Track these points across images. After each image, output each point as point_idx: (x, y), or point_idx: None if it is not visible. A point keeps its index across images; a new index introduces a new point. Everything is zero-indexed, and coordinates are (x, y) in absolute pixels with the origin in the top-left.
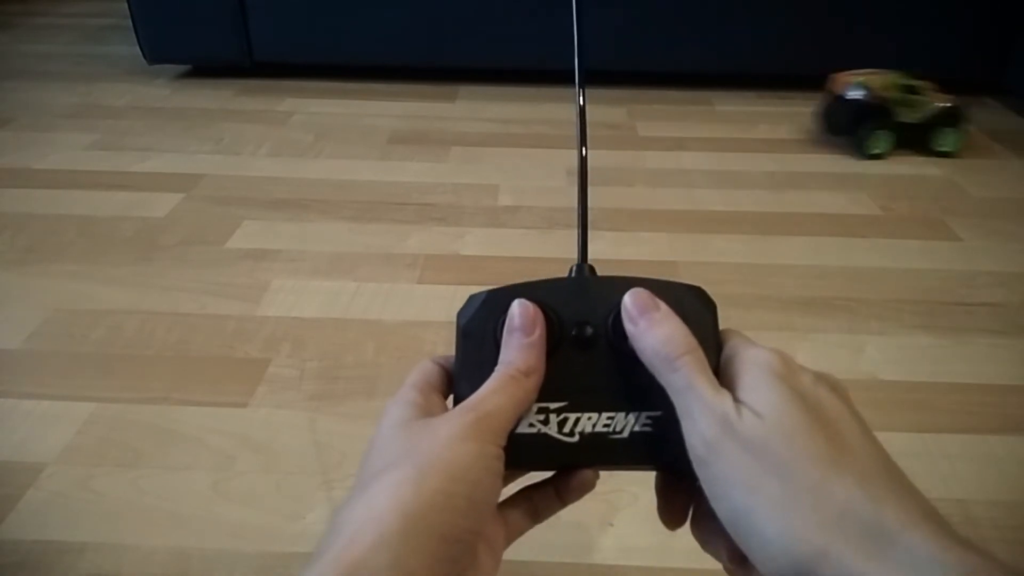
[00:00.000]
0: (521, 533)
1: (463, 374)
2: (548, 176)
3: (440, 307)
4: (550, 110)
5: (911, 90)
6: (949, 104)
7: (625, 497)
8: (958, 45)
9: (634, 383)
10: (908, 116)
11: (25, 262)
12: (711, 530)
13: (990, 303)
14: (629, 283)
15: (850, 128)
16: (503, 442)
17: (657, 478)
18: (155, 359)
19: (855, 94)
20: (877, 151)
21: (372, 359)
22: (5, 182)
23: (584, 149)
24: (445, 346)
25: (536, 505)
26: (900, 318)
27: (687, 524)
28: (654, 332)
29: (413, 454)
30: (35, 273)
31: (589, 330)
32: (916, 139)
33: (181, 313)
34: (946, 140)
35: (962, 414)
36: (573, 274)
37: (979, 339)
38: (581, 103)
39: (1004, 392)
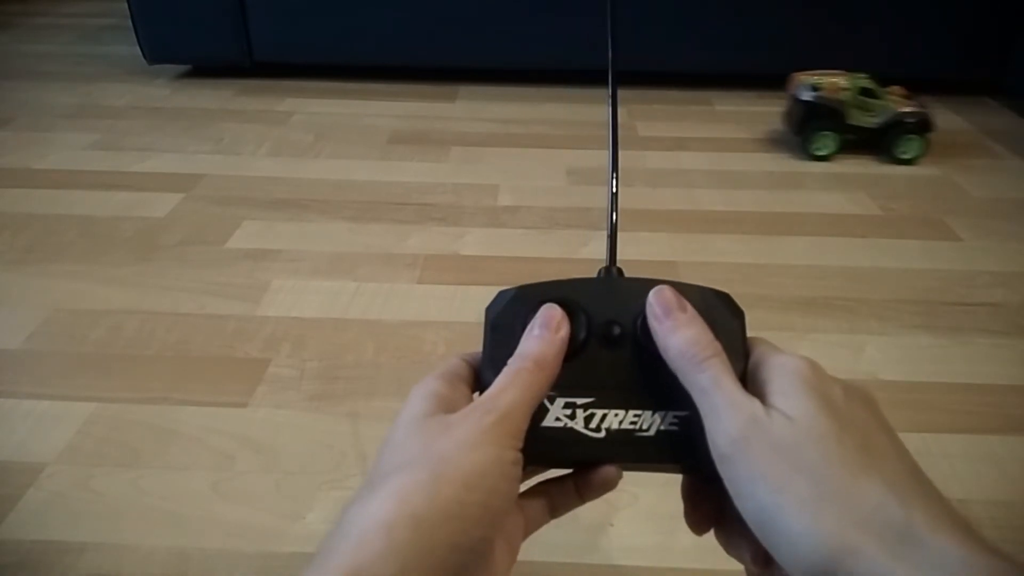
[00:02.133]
0: (539, 526)
1: (490, 365)
2: (548, 176)
3: (440, 307)
4: (550, 110)
5: (869, 93)
6: (910, 110)
7: (625, 497)
8: (958, 45)
9: (661, 382)
10: (863, 120)
11: (25, 262)
12: (735, 532)
13: (990, 303)
14: (658, 284)
15: (800, 128)
16: (520, 443)
17: (684, 482)
18: (155, 359)
19: (804, 94)
20: (821, 152)
21: (372, 359)
22: (5, 182)
23: (615, 157)
24: (445, 346)
25: (554, 500)
26: (900, 318)
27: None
28: (680, 333)
29: (428, 457)
30: (35, 273)
31: (617, 329)
32: (874, 143)
33: (181, 313)
34: (907, 147)
35: (962, 414)
36: (601, 275)
37: (979, 339)
38: (613, 115)
39: (1004, 392)
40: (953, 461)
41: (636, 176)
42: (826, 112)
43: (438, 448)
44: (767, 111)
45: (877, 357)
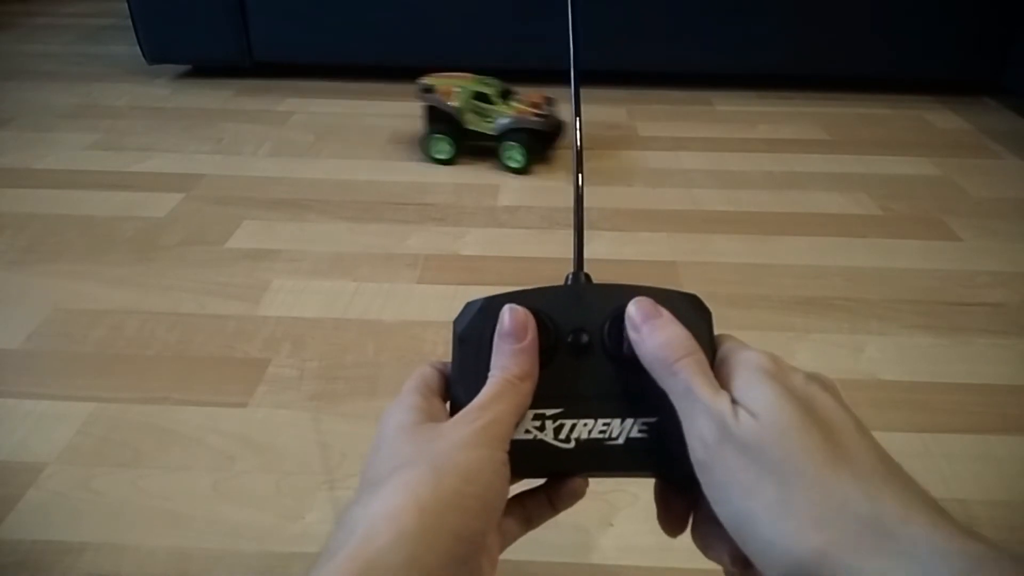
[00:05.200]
0: (514, 540)
1: (460, 380)
2: (548, 176)
3: (440, 307)
4: None
5: (484, 98)
6: (522, 119)
7: (625, 497)
8: (958, 45)
9: (630, 390)
10: (481, 126)
11: (25, 262)
12: (712, 535)
13: (990, 303)
14: (624, 291)
15: (424, 130)
16: (507, 448)
17: (656, 486)
18: (155, 359)
19: (419, 96)
20: (440, 156)
21: (372, 359)
22: (5, 182)
23: (579, 157)
24: (445, 345)
25: (529, 512)
26: (900, 318)
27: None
28: (655, 337)
29: (427, 455)
30: (35, 273)
31: (585, 337)
32: (491, 150)
33: (181, 313)
34: (511, 156)
35: (962, 414)
36: (569, 282)
37: (979, 339)
38: (577, 113)
39: (1004, 392)
40: (953, 461)
41: (636, 176)
42: (441, 116)
43: (434, 448)
44: (767, 111)
45: (877, 357)
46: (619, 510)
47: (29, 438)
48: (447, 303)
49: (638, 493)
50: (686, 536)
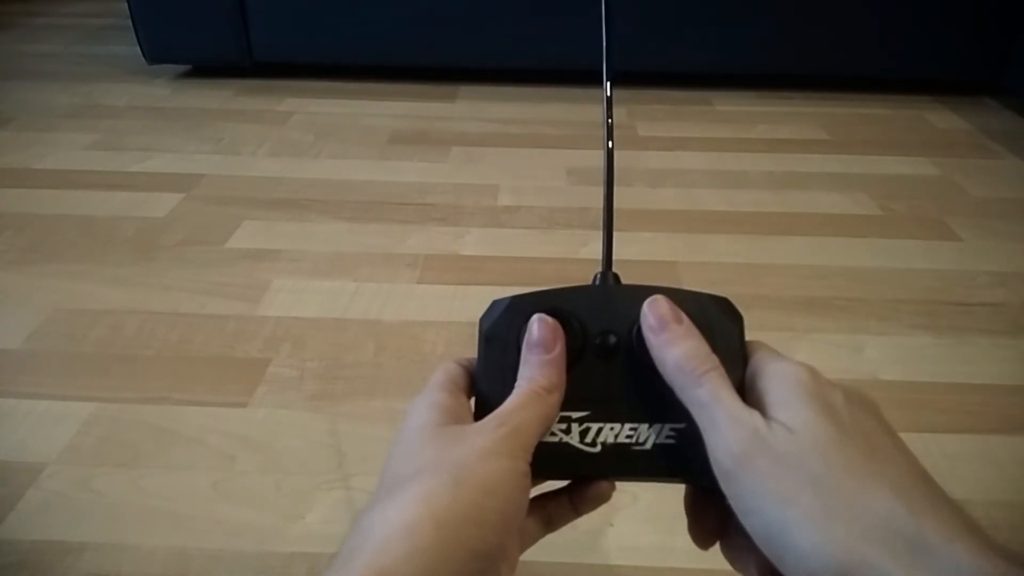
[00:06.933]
0: (534, 541)
1: (485, 378)
2: (548, 176)
3: (440, 307)
4: (550, 110)
5: None
6: None
7: (625, 497)
8: (958, 45)
9: (658, 394)
10: None
11: (25, 262)
12: (740, 546)
13: (990, 303)
14: (654, 292)
15: None
16: (530, 458)
17: (687, 496)
18: (155, 359)
19: None
20: None
21: (372, 359)
22: (5, 182)
23: (610, 159)
24: (445, 346)
25: (550, 514)
26: (900, 318)
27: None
28: (676, 347)
29: (446, 463)
30: (35, 273)
31: (612, 339)
32: None
33: (181, 313)
34: None
35: (962, 414)
36: (597, 282)
37: (979, 339)
38: (608, 120)
39: (1004, 392)
40: (953, 461)
41: (636, 176)
42: None
43: (455, 455)
44: (767, 111)
45: (877, 357)
46: (619, 510)
47: (29, 438)
48: (447, 303)
49: (638, 493)
50: (686, 536)
